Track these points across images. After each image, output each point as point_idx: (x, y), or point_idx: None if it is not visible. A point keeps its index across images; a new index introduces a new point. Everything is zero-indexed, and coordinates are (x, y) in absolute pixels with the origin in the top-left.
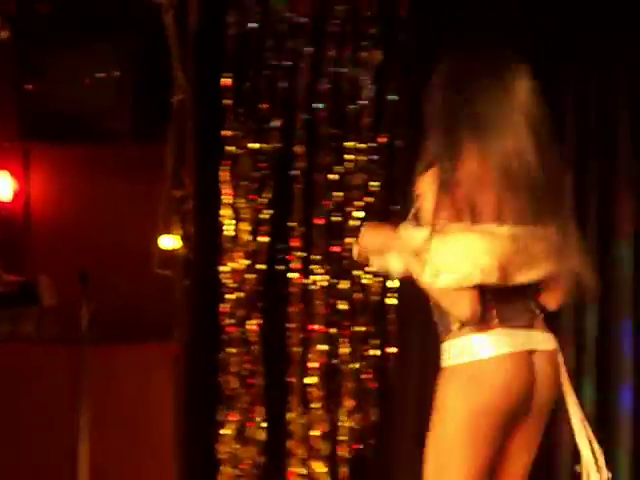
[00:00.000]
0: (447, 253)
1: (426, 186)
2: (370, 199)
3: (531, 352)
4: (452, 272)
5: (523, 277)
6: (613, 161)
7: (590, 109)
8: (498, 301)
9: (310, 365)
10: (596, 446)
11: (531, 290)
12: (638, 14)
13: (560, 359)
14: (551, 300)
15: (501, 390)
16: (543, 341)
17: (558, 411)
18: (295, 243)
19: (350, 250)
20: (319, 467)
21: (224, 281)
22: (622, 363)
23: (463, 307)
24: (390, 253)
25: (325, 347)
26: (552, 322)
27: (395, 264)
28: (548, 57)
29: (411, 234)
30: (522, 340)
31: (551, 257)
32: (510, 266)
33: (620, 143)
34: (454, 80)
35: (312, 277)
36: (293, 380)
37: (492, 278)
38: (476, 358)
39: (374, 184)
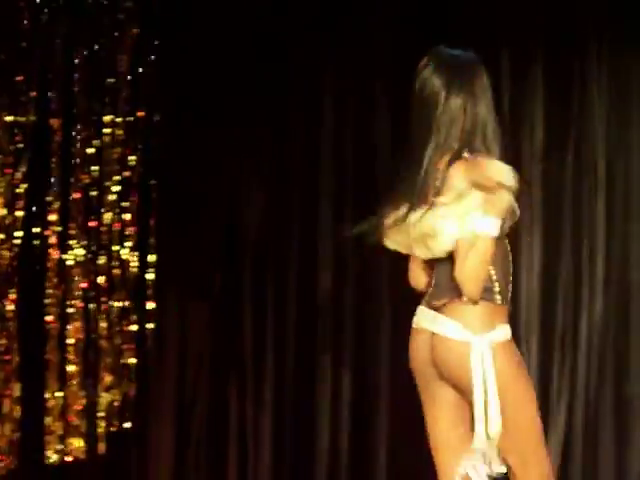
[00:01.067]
0: None
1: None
2: (128, 173)
3: (433, 333)
4: None
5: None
6: None
7: None
8: (433, 278)
9: (68, 341)
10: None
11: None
12: None
13: (479, 350)
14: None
15: (410, 357)
16: (444, 327)
17: None
18: (52, 217)
19: (108, 225)
20: (77, 443)
21: None
22: None
23: None
24: None
25: (83, 323)
26: None
27: None
28: None
29: None
30: (427, 320)
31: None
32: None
33: None
34: None
35: (69, 252)
36: (50, 356)
37: None
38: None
39: (132, 158)
